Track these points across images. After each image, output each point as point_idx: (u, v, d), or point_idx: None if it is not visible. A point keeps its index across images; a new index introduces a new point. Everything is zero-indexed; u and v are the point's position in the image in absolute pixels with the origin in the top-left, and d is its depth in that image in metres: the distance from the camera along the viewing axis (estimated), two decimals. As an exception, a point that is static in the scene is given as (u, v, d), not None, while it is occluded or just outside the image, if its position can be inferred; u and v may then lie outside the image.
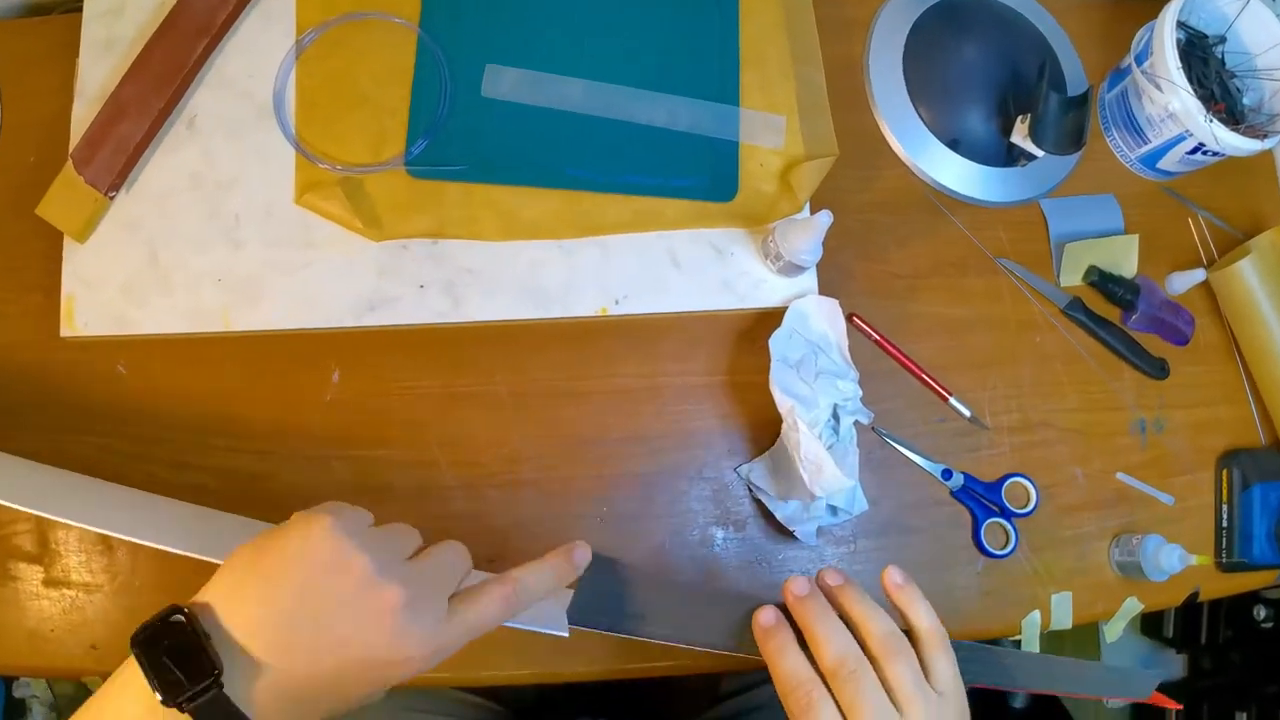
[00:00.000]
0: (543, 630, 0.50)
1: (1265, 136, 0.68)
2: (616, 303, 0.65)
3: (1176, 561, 0.65)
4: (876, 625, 0.46)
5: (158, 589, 0.61)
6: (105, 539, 0.61)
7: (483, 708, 0.73)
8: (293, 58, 0.67)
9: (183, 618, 0.39)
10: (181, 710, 0.37)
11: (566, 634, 0.50)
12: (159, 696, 0.37)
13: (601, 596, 0.51)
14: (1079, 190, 0.75)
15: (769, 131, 0.69)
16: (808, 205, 0.68)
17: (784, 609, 0.49)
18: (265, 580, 0.41)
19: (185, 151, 0.65)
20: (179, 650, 0.38)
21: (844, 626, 0.47)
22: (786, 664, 0.46)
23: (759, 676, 0.74)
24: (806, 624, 0.47)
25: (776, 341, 0.63)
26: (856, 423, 0.64)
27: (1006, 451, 0.69)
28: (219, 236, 0.64)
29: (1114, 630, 0.70)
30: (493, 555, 0.62)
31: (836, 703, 0.44)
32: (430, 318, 0.64)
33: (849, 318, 0.69)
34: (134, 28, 0.66)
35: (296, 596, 0.41)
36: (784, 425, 0.62)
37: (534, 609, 0.48)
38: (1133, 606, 0.68)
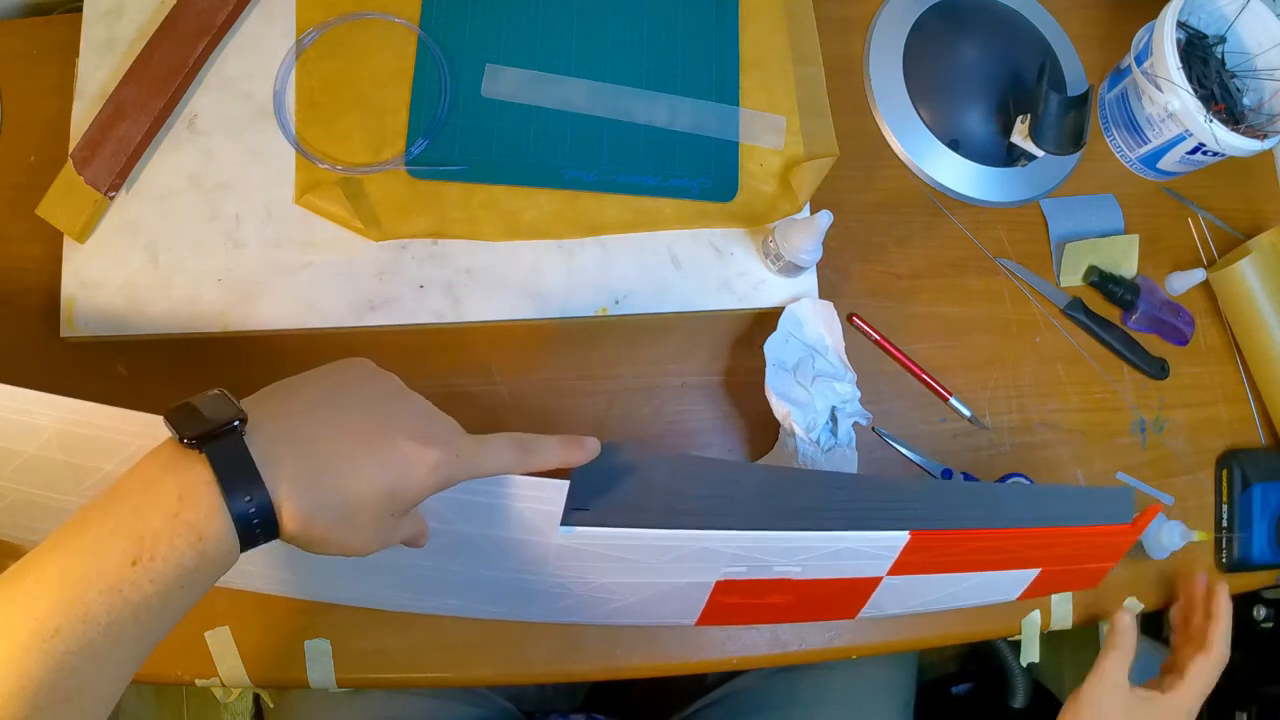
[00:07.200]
0: (544, 480, 0.49)
1: (1265, 136, 0.68)
2: (616, 303, 0.65)
3: (1178, 538, 0.65)
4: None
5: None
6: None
7: (487, 700, 0.73)
8: (293, 58, 0.67)
9: (217, 391, 0.40)
10: (199, 449, 0.38)
11: (564, 493, 0.49)
12: (178, 435, 0.38)
13: (602, 474, 0.52)
14: (1079, 190, 0.75)
15: (769, 132, 0.69)
16: (808, 205, 0.68)
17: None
18: (300, 381, 0.43)
19: (185, 151, 0.65)
20: (207, 407, 0.39)
21: None
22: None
23: (742, 671, 0.74)
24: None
25: (772, 346, 0.63)
26: (856, 424, 0.64)
27: (1007, 451, 0.69)
28: (219, 237, 0.64)
29: (1114, 630, 0.70)
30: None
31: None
32: (430, 318, 0.64)
33: (849, 318, 0.69)
34: (134, 28, 0.66)
35: (327, 389, 0.43)
36: (781, 430, 0.62)
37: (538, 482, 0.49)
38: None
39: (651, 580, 0.56)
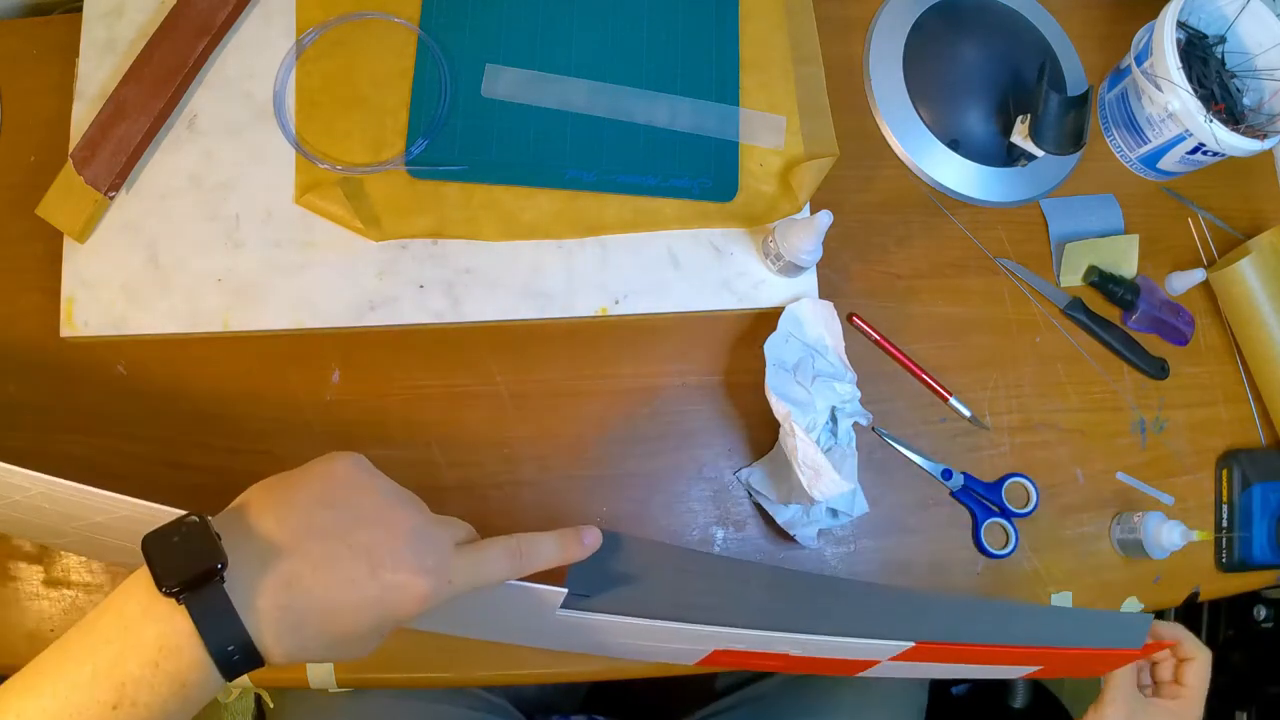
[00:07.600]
0: (541, 588, 0.48)
1: (1265, 136, 0.68)
2: (616, 303, 0.65)
3: (1178, 538, 0.65)
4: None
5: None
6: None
7: (487, 700, 0.73)
8: (293, 58, 0.67)
9: (197, 519, 0.39)
10: (178, 600, 0.37)
11: (564, 594, 0.48)
12: (157, 583, 0.36)
13: (604, 566, 0.50)
14: (1079, 190, 0.75)
15: (769, 131, 0.69)
16: (808, 205, 0.68)
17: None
18: (285, 490, 0.42)
19: (185, 151, 0.65)
20: (187, 545, 0.38)
21: None
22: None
23: (752, 675, 0.74)
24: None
25: (772, 346, 0.63)
26: (856, 424, 0.64)
27: (1006, 451, 0.69)
28: (219, 237, 0.64)
29: (1114, 630, 0.70)
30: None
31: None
32: (430, 318, 0.64)
33: (849, 318, 0.69)
34: (134, 28, 0.66)
35: (312, 509, 0.41)
36: (781, 430, 0.62)
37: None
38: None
39: (649, 644, 0.56)
